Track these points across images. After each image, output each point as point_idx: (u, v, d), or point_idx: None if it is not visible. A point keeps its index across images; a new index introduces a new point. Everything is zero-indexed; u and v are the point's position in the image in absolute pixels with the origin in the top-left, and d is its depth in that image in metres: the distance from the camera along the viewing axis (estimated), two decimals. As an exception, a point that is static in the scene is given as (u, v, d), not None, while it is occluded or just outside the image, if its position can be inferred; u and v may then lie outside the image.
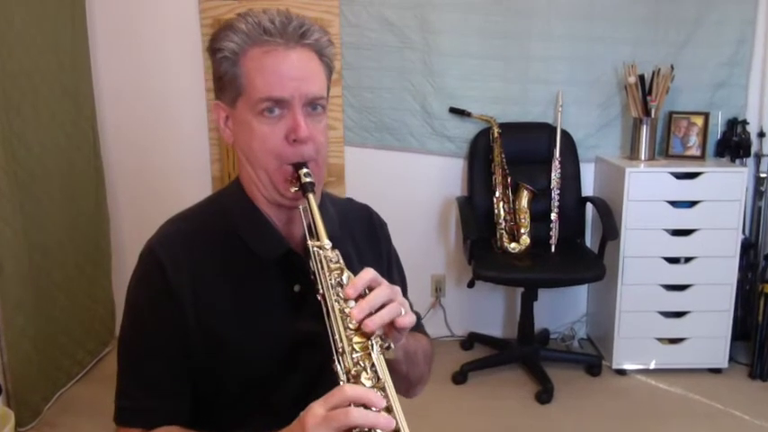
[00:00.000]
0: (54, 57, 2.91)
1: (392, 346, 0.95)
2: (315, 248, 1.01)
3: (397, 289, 0.99)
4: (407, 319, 0.97)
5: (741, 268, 3.11)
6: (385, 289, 0.96)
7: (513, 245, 3.12)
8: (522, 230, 3.13)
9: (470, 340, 3.47)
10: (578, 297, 3.54)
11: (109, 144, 3.36)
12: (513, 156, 3.20)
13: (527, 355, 3.20)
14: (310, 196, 1.03)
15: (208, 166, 3.37)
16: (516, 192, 3.16)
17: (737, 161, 3.21)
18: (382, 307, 0.94)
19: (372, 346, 0.92)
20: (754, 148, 3.25)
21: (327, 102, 1.10)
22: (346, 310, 0.93)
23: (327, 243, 1.01)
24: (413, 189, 3.39)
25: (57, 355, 2.92)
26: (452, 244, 3.51)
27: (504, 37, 3.23)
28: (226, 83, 1.07)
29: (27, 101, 2.71)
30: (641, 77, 3.12)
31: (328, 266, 0.99)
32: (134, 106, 3.34)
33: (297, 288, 1.11)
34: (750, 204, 3.28)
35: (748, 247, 3.20)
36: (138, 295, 1.11)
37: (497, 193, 3.17)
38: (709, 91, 3.27)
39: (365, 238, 1.27)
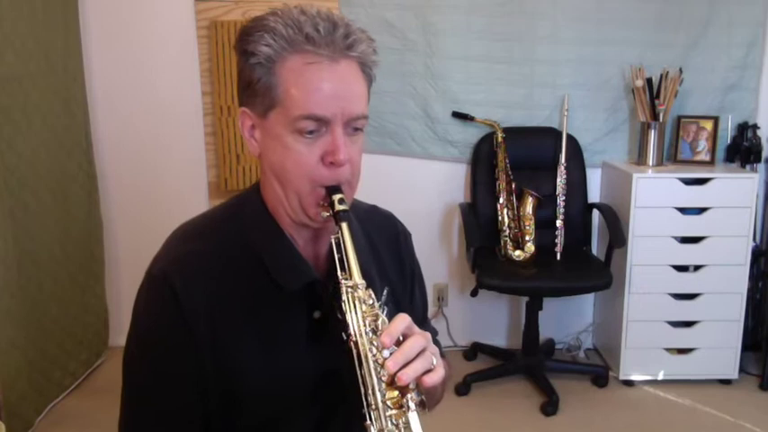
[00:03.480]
0: (45, 60, 2.90)
1: (425, 399, 0.94)
2: (347, 289, 0.97)
3: (428, 335, 0.96)
4: (435, 377, 0.93)
5: (751, 277, 3.11)
6: (419, 339, 0.93)
7: (518, 252, 3.13)
8: (527, 238, 3.13)
9: (474, 350, 3.47)
10: (584, 306, 3.54)
11: (102, 150, 3.36)
12: (518, 161, 3.21)
13: (532, 365, 3.20)
14: (344, 226, 0.98)
15: (204, 171, 3.37)
16: (521, 198, 3.16)
17: (748, 167, 3.21)
18: (415, 357, 0.92)
19: (408, 403, 0.90)
20: (765, 154, 3.26)
21: (367, 119, 1.04)
22: (379, 360, 0.91)
23: (361, 282, 0.96)
24: (414, 195, 3.40)
25: (48, 367, 2.92)
26: (455, 252, 3.51)
27: (509, 39, 3.24)
28: (257, 91, 1.00)
29: (17, 105, 2.71)
30: (649, 81, 3.12)
31: (362, 310, 0.95)
32: (128, 111, 3.34)
33: (317, 315, 1.07)
34: (761, 211, 3.29)
35: (759, 255, 3.20)
36: (149, 324, 1.05)
37: (501, 200, 3.18)
38: (719, 94, 3.28)
39: (388, 252, 1.23)
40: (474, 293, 3.14)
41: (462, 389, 3.09)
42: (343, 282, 0.97)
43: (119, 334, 3.44)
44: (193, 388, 1.03)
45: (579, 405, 2.99)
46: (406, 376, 0.89)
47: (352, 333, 0.94)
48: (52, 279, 2.96)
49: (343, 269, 0.98)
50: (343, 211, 0.98)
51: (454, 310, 3.54)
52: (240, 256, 1.05)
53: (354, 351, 0.93)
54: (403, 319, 0.94)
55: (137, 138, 3.37)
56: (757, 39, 3.22)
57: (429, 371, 0.93)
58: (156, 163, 3.39)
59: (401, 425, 0.90)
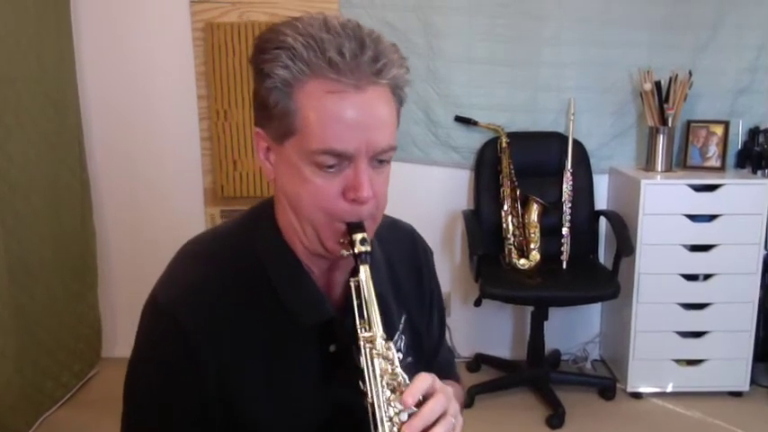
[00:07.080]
0: (37, 63, 2.92)
1: None
2: (365, 343, 0.93)
3: (450, 392, 0.94)
4: None
5: (763, 286, 3.11)
6: (440, 400, 0.90)
7: (523, 261, 3.14)
8: (532, 246, 3.14)
9: (477, 362, 3.48)
10: (591, 316, 3.55)
11: (95, 155, 3.37)
12: (523, 167, 3.22)
13: (537, 377, 3.20)
14: (366, 270, 0.94)
15: (200, 177, 3.39)
16: (525, 205, 3.18)
17: (759, 172, 3.20)
18: (436, 421, 0.89)
19: None
20: (776, 159, 3.27)
21: (396, 149, 0.97)
22: (396, 422, 0.89)
23: (380, 335, 0.93)
24: (416, 202, 3.39)
25: (40, 378, 2.93)
26: (458, 260, 3.52)
27: (513, 41, 3.25)
28: (274, 115, 0.93)
29: (8, 109, 2.72)
30: (657, 84, 3.13)
31: (380, 367, 0.92)
32: (122, 115, 3.35)
33: (332, 348, 1.03)
34: (772, 218, 3.29)
35: (770, 264, 3.21)
36: (151, 357, 1.01)
37: (506, 207, 3.19)
38: (730, 98, 3.28)
39: (407, 272, 1.19)
40: (477, 303, 3.15)
41: (465, 401, 3.09)
42: (360, 335, 0.94)
43: (112, 345, 3.46)
44: (197, 422, 1.00)
45: (586, 418, 3.00)
46: None
47: (369, 393, 0.91)
48: (44, 287, 2.96)
49: (361, 317, 0.95)
50: (366, 252, 0.94)
51: (457, 320, 3.55)
52: (252, 285, 1.01)
53: (370, 411, 0.90)
54: (424, 379, 0.91)
55: (130, 142, 3.38)
56: (768, 41, 3.24)
57: None
58: (150, 168, 3.40)
59: None
